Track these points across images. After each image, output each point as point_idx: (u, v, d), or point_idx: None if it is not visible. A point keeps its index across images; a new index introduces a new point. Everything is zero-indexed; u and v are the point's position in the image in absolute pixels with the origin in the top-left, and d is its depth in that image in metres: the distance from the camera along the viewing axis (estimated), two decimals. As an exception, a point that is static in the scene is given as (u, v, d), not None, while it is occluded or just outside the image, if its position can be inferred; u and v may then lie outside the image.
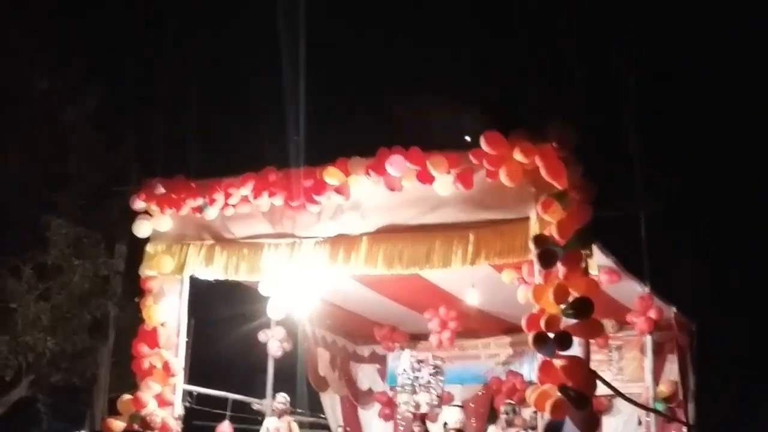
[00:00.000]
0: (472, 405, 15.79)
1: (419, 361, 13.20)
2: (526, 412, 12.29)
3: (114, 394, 14.07)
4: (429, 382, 12.95)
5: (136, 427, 10.58)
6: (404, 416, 13.53)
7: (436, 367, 13.17)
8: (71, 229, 15.47)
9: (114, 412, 11.24)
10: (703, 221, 21.31)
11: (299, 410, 16.51)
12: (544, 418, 8.69)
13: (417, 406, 12.82)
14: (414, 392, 12.89)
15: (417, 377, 12.97)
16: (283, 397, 13.03)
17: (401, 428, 13.66)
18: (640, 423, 13.40)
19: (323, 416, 16.54)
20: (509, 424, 11.66)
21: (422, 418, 12.79)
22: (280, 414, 12.84)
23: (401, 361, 13.44)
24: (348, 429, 14.09)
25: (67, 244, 15.40)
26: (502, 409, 12.08)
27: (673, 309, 12.82)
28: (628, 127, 11.51)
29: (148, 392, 10.81)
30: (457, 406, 13.76)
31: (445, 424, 12.90)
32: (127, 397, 10.92)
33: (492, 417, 15.58)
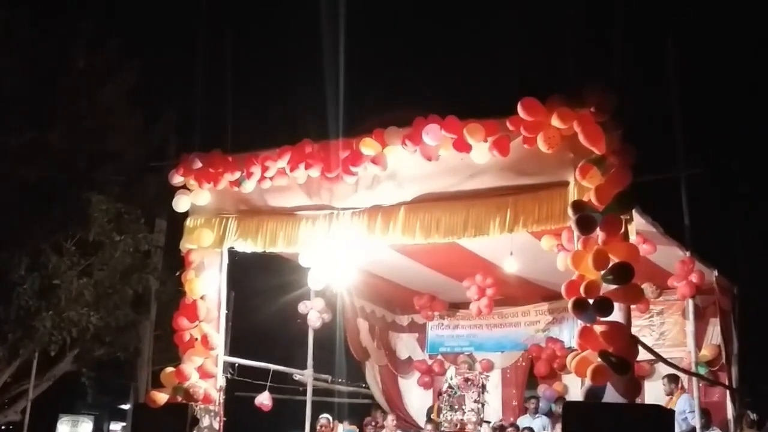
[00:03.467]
0: (510, 372, 15.84)
1: (466, 380, 13.21)
2: None
3: (157, 367, 14.24)
4: (475, 401, 12.96)
5: (179, 398, 10.71)
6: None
7: (483, 386, 13.19)
8: (112, 205, 15.61)
9: (157, 384, 11.38)
10: (743, 182, 21.05)
11: (339, 380, 16.64)
12: (585, 383, 8.68)
13: (462, 425, 12.84)
14: (459, 410, 12.90)
15: (464, 396, 12.98)
16: (325, 419, 13.31)
17: (444, 397, 13.69)
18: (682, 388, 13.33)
19: (364, 385, 16.64)
20: None
21: None
22: None
23: (446, 377, 13.48)
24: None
25: (107, 220, 15.53)
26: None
27: (715, 272, 12.69)
28: (668, 89, 11.32)
29: (191, 364, 10.94)
30: (488, 422, 13.78)
31: (450, 385, 13.06)
32: (169, 369, 11.06)
33: (532, 384, 15.63)
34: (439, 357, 16.22)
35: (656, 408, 9.02)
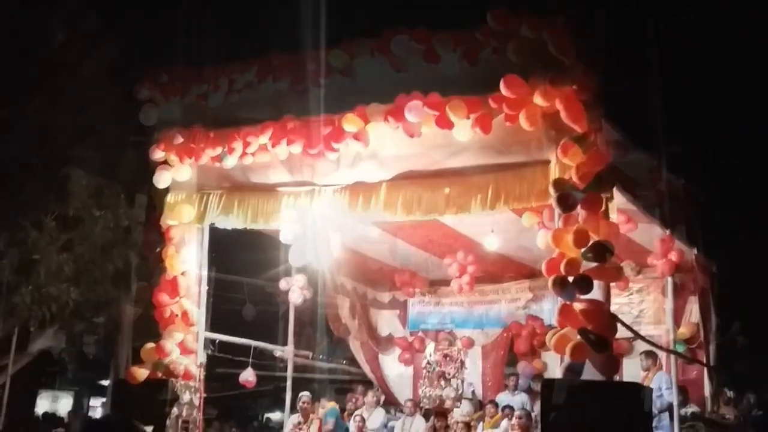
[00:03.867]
0: (490, 349, 15.91)
1: (445, 356, 13.28)
2: None
3: (137, 343, 14.20)
4: (454, 377, 13.04)
5: (159, 374, 10.71)
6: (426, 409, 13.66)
7: (462, 362, 13.27)
8: (91, 181, 15.52)
9: (138, 360, 11.37)
10: (723, 160, 21.16)
11: (320, 356, 16.71)
12: (564, 361, 8.74)
13: (441, 401, 12.91)
14: (438, 387, 12.97)
15: (444, 372, 13.05)
16: (307, 396, 13.22)
17: (423, 373, 13.78)
18: (660, 366, 13.44)
19: (344, 362, 16.71)
20: None
21: (444, 413, 12.89)
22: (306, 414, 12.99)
23: (426, 353, 13.53)
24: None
25: (87, 195, 15.45)
26: None
27: (694, 251, 12.78)
28: (649, 67, 11.35)
29: (171, 341, 10.94)
30: (469, 399, 13.83)
31: (428, 361, 13.14)
32: (150, 345, 11.04)
33: (512, 361, 15.73)
34: (420, 334, 16.27)
35: (634, 385, 9.09)
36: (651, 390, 9.36)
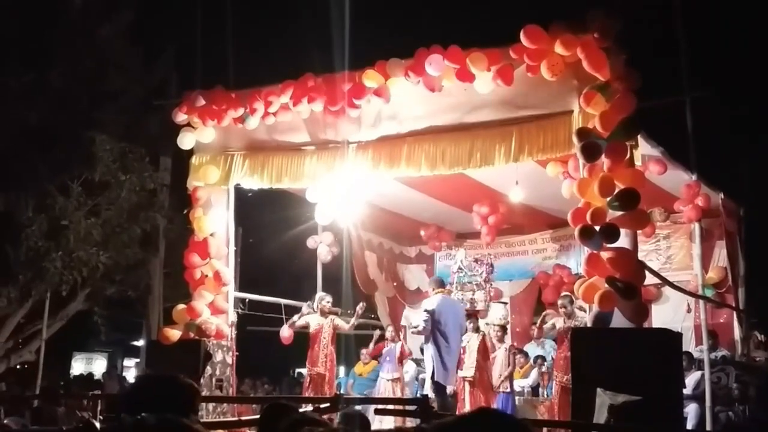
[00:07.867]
0: (519, 300, 15.92)
1: (476, 260, 13.31)
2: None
3: (168, 305, 14.36)
4: (486, 280, 13.06)
5: (192, 335, 10.84)
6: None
7: (490, 265, 13.27)
8: (116, 145, 15.61)
9: (169, 321, 11.50)
10: (747, 104, 20.89)
11: (348, 311, 16.77)
12: (592, 310, 8.75)
13: (473, 302, 12.93)
14: (469, 290, 12.99)
15: (474, 275, 13.06)
16: (326, 296, 13.08)
17: (454, 278, 13.73)
18: (689, 310, 13.43)
19: (372, 316, 16.75)
20: (568, 316, 11.53)
21: (475, 315, 12.91)
22: (325, 313, 12.88)
23: (457, 259, 13.52)
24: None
25: (112, 159, 15.56)
26: (559, 302, 11.98)
27: (721, 195, 12.70)
28: (672, 11, 11.17)
29: (202, 301, 11.05)
30: (503, 302, 13.87)
31: (459, 267, 13.16)
32: (181, 306, 11.16)
33: (540, 311, 15.73)
34: (448, 287, 16.26)
35: (664, 332, 9.09)
36: (681, 335, 9.34)
